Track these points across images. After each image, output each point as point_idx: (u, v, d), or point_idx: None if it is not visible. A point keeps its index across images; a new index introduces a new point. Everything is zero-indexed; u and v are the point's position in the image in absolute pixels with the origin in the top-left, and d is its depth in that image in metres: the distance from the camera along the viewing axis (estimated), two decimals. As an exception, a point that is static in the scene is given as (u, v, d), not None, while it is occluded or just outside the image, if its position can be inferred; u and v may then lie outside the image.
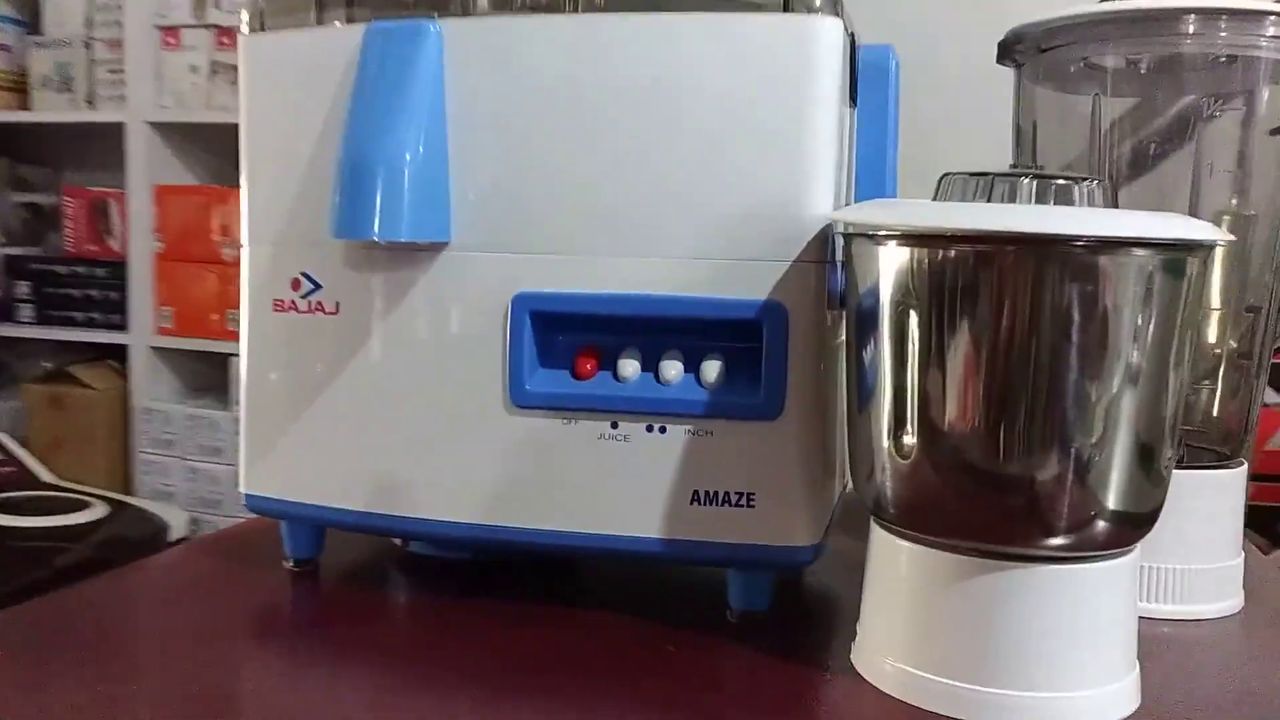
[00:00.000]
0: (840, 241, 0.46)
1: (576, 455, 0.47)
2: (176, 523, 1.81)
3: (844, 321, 0.46)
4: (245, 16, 0.51)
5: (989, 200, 0.41)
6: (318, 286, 0.50)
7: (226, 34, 1.77)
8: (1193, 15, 0.49)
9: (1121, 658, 0.40)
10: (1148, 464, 0.39)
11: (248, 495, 0.52)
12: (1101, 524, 0.39)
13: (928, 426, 0.41)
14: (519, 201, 0.47)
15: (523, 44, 0.46)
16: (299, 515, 0.51)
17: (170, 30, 1.79)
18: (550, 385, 0.47)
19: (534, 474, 0.47)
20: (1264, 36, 0.48)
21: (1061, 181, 0.40)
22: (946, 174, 0.43)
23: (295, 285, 0.50)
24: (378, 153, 0.45)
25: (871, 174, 0.51)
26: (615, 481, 0.46)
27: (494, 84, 0.46)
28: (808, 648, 0.46)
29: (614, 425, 0.46)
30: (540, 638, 0.46)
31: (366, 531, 0.52)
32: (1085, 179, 0.40)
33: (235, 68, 1.73)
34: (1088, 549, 0.39)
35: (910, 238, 0.41)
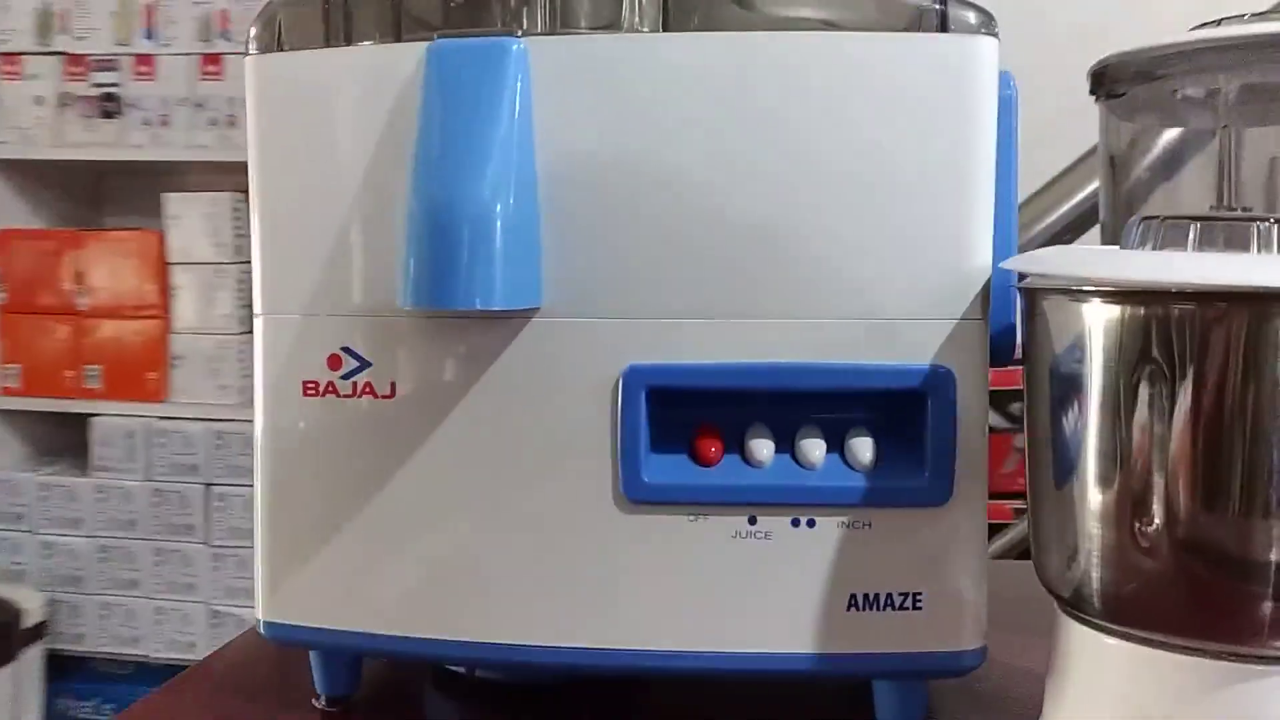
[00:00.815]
0: (1017, 296, 0.40)
1: (706, 558, 0.39)
2: (30, 606, 1.61)
3: (1026, 386, 0.40)
4: (254, 32, 0.41)
5: (1203, 248, 0.36)
6: (364, 364, 0.40)
7: (77, 61, 1.59)
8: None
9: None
10: None
11: (270, 624, 0.42)
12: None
13: (1156, 508, 0.35)
14: (624, 257, 0.39)
15: (627, 69, 0.38)
16: (341, 646, 0.42)
17: (9, 57, 1.61)
18: (671, 475, 0.39)
19: (653, 584, 0.39)
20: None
21: (1262, 222, 0.35)
22: (1145, 217, 0.38)
23: (334, 363, 0.41)
24: (464, 203, 0.36)
25: (1001, 218, 0.45)
26: (755, 588, 0.39)
27: (593, 116, 0.39)
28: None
29: (752, 521, 0.39)
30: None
31: (433, 660, 0.43)
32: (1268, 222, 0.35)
33: (88, 99, 1.57)
34: (1346, 645, 0.34)
35: (1133, 294, 0.35)
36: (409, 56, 0.39)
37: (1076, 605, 0.38)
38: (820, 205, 0.38)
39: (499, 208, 0.36)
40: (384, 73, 0.39)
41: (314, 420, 0.41)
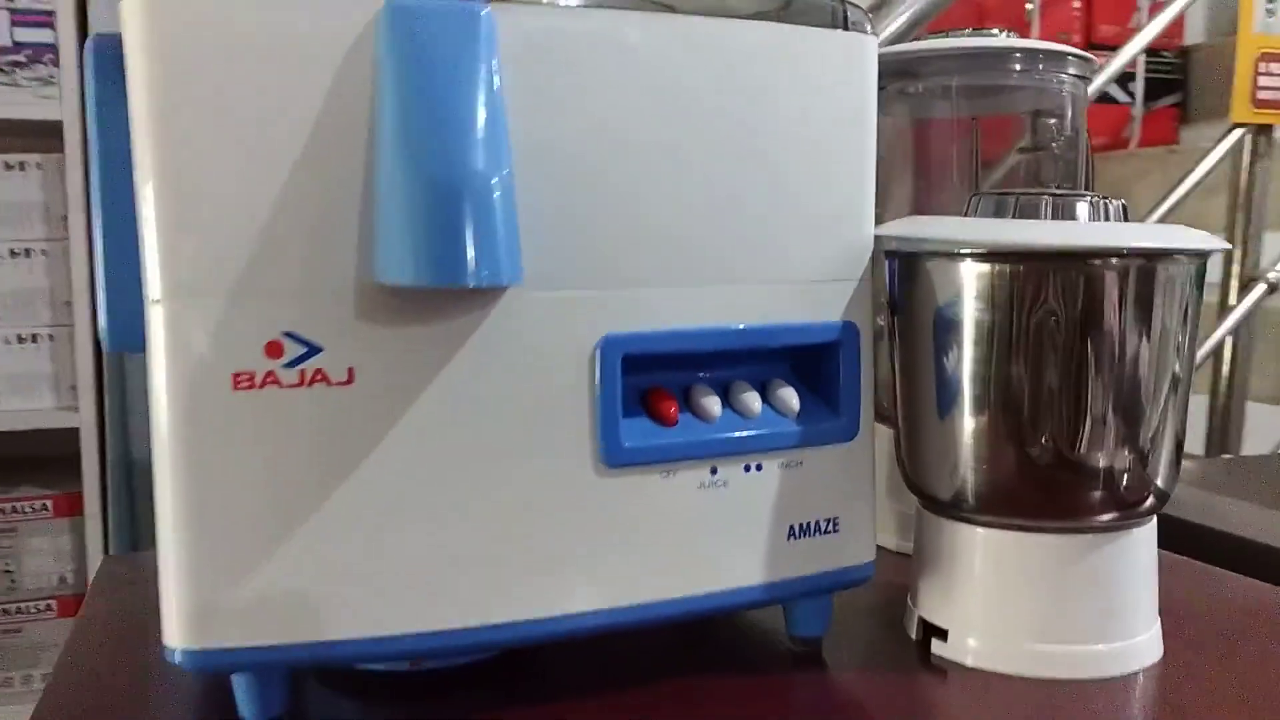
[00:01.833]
0: (888, 259, 0.47)
1: (676, 510, 0.41)
2: None
3: (901, 337, 0.47)
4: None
5: (1016, 216, 0.45)
6: (313, 350, 0.36)
7: None
8: (1019, 53, 0.58)
9: (1151, 607, 0.48)
10: (1179, 448, 0.47)
11: (193, 653, 0.37)
12: (1151, 499, 0.46)
13: (1017, 424, 0.44)
14: (590, 230, 0.39)
15: (589, 43, 0.39)
16: (292, 660, 0.38)
17: None
18: (643, 438, 0.41)
19: (632, 541, 0.41)
20: (1066, 73, 0.59)
21: (1086, 199, 0.46)
22: (976, 193, 0.47)
23: (274, 351, 0.36)
24: (471, 176, 0.35)
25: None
26: (718, 531, 0.42)
27: (555, 90, 0.38)
28: (875, 652, 0.47)
29: (713, 471, 0.42)
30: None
31: (400, 658, 0.40)
32: (1100, 196, 0.46)
33: None
34: (1138, 517, 0.46)
35: (997, 254, 0.43)
36: (356, 10, 0.36)
37: (954, 506, 0.46)
38: (748, 181, 0.42)
39: (500, 181, 0.35)
40: (324, 25, 0.36)
41: (249, 416, 0.36)
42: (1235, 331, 1.35)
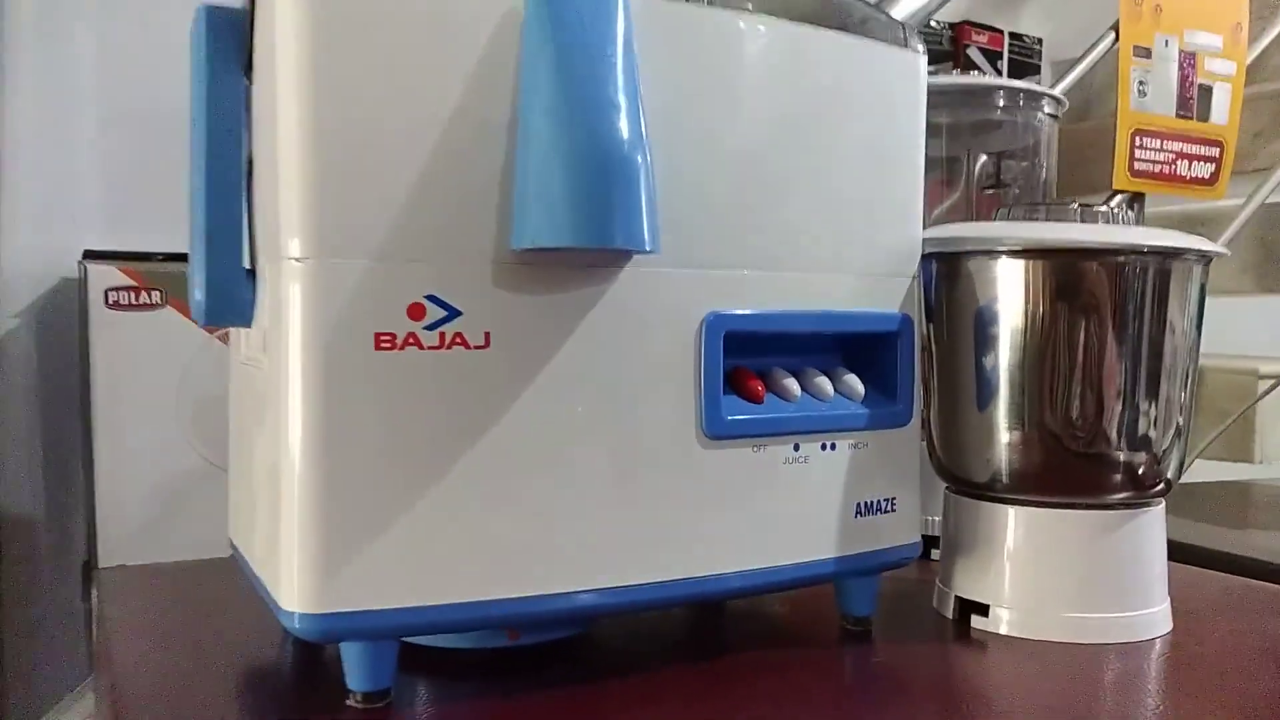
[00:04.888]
0: (925, 263, 0.51)
1: (763, 483, 0.44)
2: None
3: (938, 335, 0.51)
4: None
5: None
6: (454, 314, 0.38)
7: None
8: (1001, 90, 0.64)
9: (1163, 584, 0.52)
10: (1185, 439, 0.52)
11: (315, 618, 0.37)
12: (1162, 482, 0.51)
13: (1046, 412, 0.49)
14: (696, 214, 0.42)
15: (702, 36, 0.42)
16: (413, 625, 0.38)
17: None
18: (740, 412, 0.43)
19: (728, 512, 0.43)
20: (1042, 111, 0.66)
21: (1102, 208, 0.51)
22: (1003, 206, 0.52)
23: (416, 313, 0.37)
24: (628, 147, 0.37)
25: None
26: (798, 506, 0.45)
27: (674, 77, 0.41)
28: (917, 631, 0.50)
29: (795, 448, 0.45)
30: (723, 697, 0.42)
31: (510, 624, 0.41)
32: (1115, 207, 0.52)
33: None
34: (1153, 497, 0.51)
35: (1033, 252, 0.48)
36: (497, -10, 0.38)
37: (988, 487, 0.50)
38: (826, 179, 0.45)
39: (648, 155, 0.38)
40: (474, 2, 0.38)
41: (389, 376, 0.37)
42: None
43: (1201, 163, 1.61)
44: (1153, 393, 0.49)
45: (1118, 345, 0.48)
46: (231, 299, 0.42)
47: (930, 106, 0.62)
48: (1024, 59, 2.30)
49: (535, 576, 0.39)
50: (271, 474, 0.39)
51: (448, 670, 0.44)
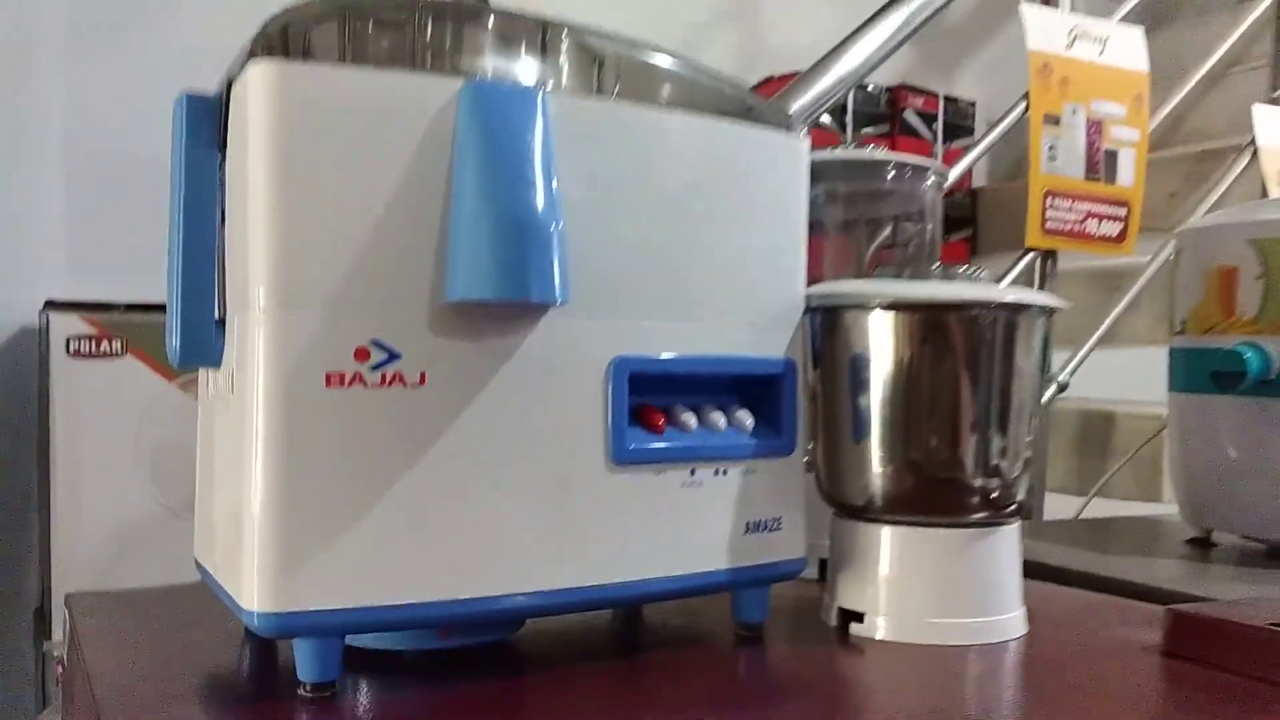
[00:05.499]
0: (810, 315, 0.58)
1: (663, 503, 0.51)
2: None
3: (823, 377, 0.59)
4: (283, 40, 0.43)
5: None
6: (394, 356, 0.45)
7: None
8: (892, 164, 0.73)
9: (1018, 592, 0.60)
10: (1030, 468, 0.60)
11: (273, 615, 0.43)
12: (1015, 504, 0.59)
13: (915, 442, 0.56)
14: (603, 270, 0.49)
15: (609, 127, 0.50)
16: (350, 624, 0.44)
17: None
18: (641, 442, 0.50)
19: (633, 527, 0.50)
20: (926, 181, 0.74)
21: (963, 269, 0.59)
22: (889, 265, 0.60)
23: (361, 355, 0.44)
24: (543, 214, 0.44)
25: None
26: (694, 523, 0.52)
27: (586, 160, 0.49)
28: (801, 637, 0.57)
29: (692, 472, 0.52)
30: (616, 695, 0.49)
31: (445, 623, 0.47)
32: (976, 268, 0.60)
33: None
34: (1006, 517, 0.59)
35: (901, 306, 0.56)
36: (441, 88, 0.45)
37: (864, 510, 0.58)
38: (719, 242, 0.53)
39: (560, 223, 0.45)
40: (415, 99, 0.45)
41: (337, 409, 0.44)
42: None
43: (1110, 221, 1.73)
44: (1002, 428, 0.57)
45: (972, 387, 0.56)
46: (203, 345, 0.49)
47: (833, 177, 0.70)
48: (958, 122, 2.44)
49: (469, 582, 0.46)
50: (236, 494, 0.45)
51: (388, 669, 0.50)
